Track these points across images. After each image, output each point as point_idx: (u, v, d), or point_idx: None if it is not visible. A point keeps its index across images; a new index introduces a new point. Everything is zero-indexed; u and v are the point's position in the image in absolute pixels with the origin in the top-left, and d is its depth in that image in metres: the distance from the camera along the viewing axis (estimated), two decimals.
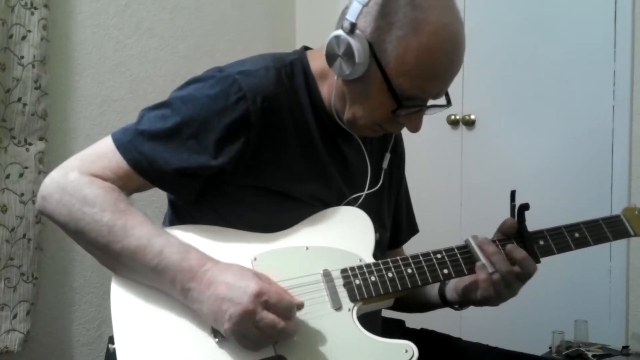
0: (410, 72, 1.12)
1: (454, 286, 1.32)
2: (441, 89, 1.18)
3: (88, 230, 1.08)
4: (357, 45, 1.12)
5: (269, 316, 1.01)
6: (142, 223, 1.08)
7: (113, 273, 1.12)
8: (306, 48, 1.29)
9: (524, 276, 1.20)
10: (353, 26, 1.12)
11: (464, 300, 1.29)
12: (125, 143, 1.13)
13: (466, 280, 1.26)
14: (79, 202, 1.08)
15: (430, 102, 1.20)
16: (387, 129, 1.22)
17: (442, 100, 1.22)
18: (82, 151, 1.16)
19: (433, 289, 1.37)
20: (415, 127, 1.20)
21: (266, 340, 1.03)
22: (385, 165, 1.34)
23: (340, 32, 1.13)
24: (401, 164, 1.45)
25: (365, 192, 1.27)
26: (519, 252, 1.19)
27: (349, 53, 1.12)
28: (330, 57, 1.16)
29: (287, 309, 1.03)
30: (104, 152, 1.14)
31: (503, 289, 1.19)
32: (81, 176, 1.10)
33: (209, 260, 1.07)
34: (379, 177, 1.32)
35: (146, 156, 1.12)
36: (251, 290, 1.01)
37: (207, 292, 1.03)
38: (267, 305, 1.01)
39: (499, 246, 1.21)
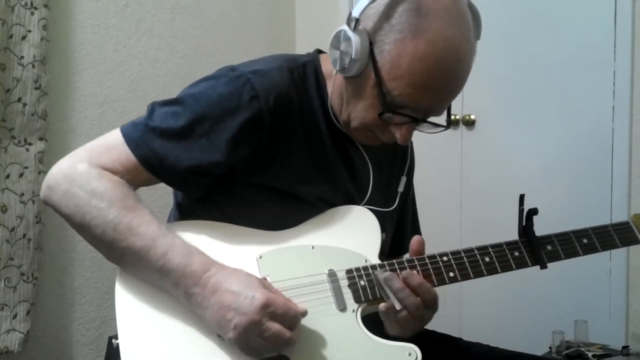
0: (401, 78, 1.08)
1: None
2: (433, 105, 1.12)
3: (94, 225, 1.07)
4: (356, 42, 1.10)
5: (274, 326, 1.00)
6: (147, 222, 1.07)
7: (119, 268, 1.11)
8: (320, 52, 1.28)
9: (428, 302, 1.10)
10: (356, 22, 1.11)
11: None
12: (136, 139, 1.12)
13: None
14: (87, 194, 1.07)
15: (433, 118, 1.16)
16: (378, 136, 1.18)
17: (441, 120, 1.17)
18: (90, 142, 1.14)
19: None
20: (402, 139, 1.15)
21: (270, 348, 1.03)
22: (401, 189, 1.34)
23: (344, 27, 1.13)
24: (411, 172, 1.42)
25: (367, 197, 1.26)
26: (415, 278, 1.10)
27: (348, 48, 1.11)
28: (332, 52, 1.15)
29: (293, 319, 1.03)
30: (113, 144, 1.12)
31: (413, 323, 1.10)
32: (90, 168, 1.09)
33: (213, 265, 1.06)
34: (394, 196, 1.32)
35: (157, 153, 1.11)
36: (257, 301, 1.00)
37: (211, 298, 1.02)
38: (273, 316, 1.01)
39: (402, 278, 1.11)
